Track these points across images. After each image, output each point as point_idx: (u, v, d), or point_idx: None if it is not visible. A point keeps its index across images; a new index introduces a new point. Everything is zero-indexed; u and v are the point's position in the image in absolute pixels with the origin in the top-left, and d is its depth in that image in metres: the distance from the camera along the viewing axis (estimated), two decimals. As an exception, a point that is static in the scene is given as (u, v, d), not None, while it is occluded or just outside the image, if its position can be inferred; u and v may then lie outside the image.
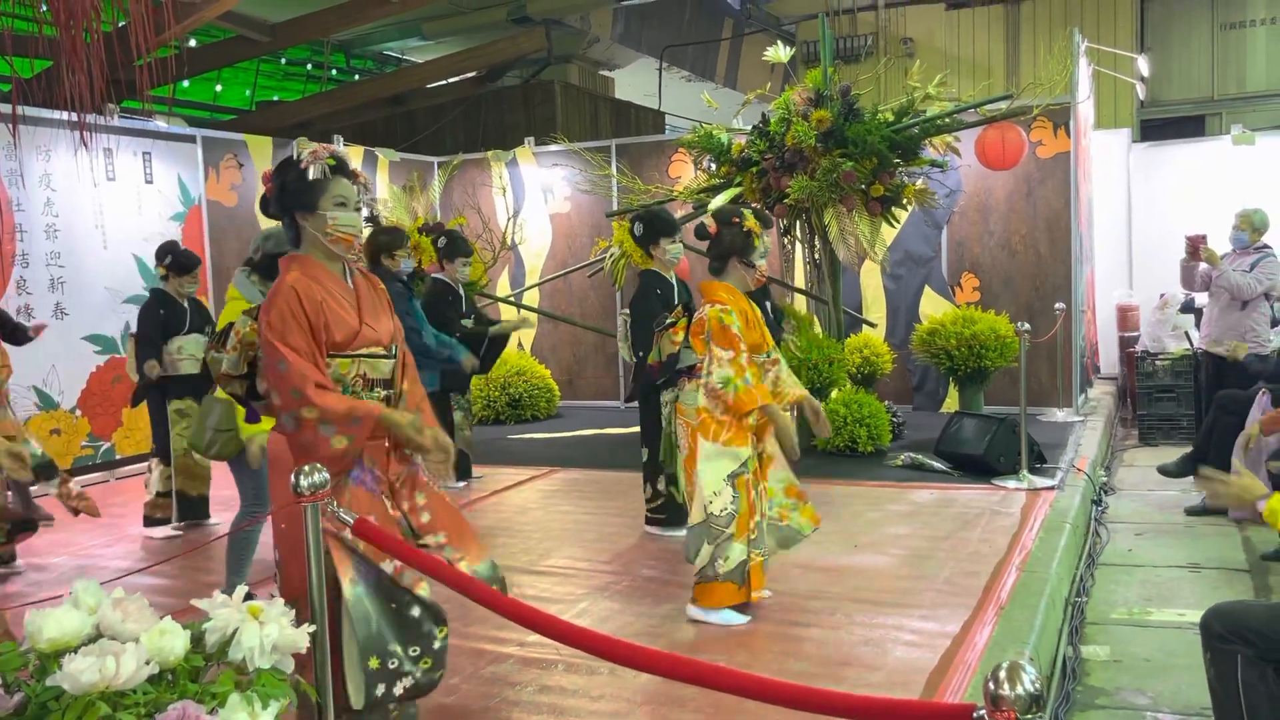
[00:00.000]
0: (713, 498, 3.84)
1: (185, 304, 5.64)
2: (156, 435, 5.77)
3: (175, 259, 5.63)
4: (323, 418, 2.66)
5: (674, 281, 5.20)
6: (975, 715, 1.57)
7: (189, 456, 5.62)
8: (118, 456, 7.46)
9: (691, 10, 14.50)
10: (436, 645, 2.81)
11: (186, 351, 5.55)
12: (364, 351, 2.83)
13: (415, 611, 2.77)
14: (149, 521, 5.75)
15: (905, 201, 7.06)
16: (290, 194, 2.84)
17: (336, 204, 2.82)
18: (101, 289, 7.39)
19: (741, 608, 3.97)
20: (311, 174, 2.79)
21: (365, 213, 3.02)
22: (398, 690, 2.71)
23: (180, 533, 5.72)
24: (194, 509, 5.77)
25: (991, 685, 1.55)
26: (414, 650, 2.76)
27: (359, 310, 2.84)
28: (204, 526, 5.81)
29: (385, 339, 2.89)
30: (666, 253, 5.13)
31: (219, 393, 3.83)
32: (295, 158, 2.85)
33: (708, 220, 4.08)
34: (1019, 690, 1.53)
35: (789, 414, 4.07)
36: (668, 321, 4.80)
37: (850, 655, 3.61)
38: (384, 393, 2.89)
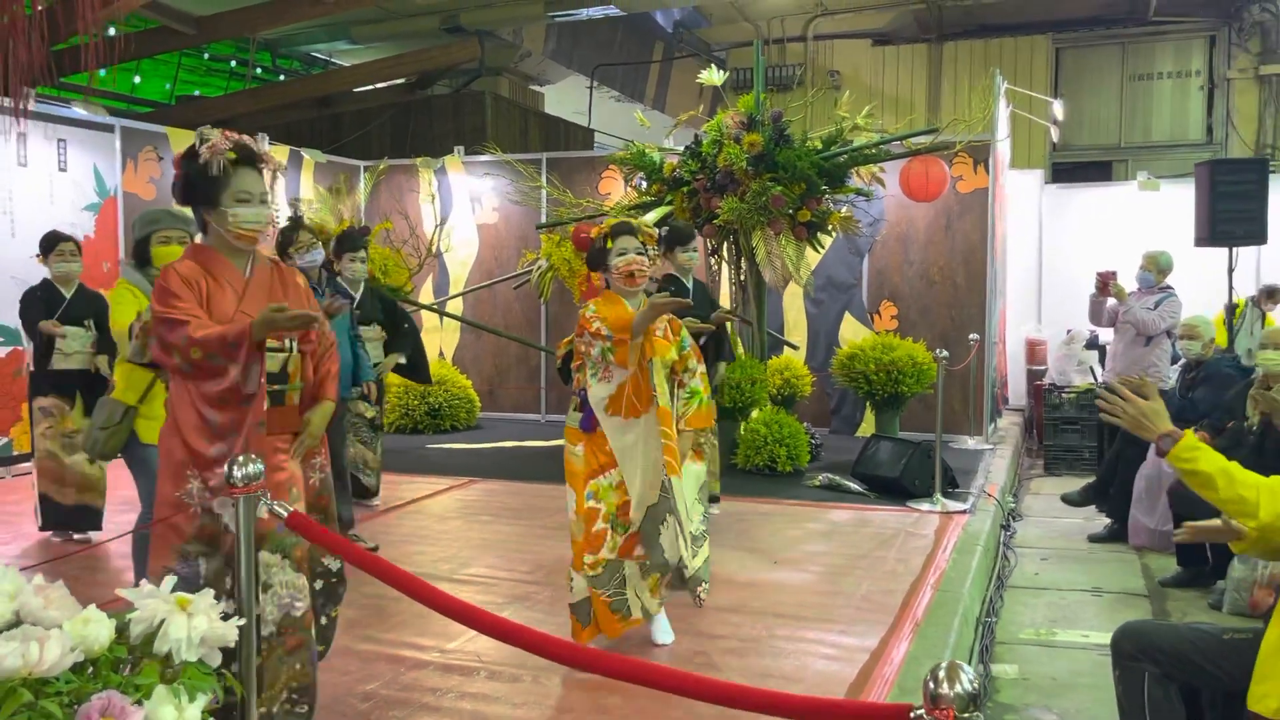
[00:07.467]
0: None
1: (66, 293, 5.28)
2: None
3: (43, 240, 5.37)
4: (206, 350, 2.63)
5: (689, 285, 5.65)
6: (913, 714, 1.60)
7: (52, 460, 5.17)
8: (15, 453, 7.15)
9: (624, 31, 14.59)
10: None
11: (62, 344, 5.18)
12: None
13: None
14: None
15: (830, 228, 7.19)
16: (192, 186, 2.78)
17: (239, 200, 2.75)
18: (8, 278, 7.08)
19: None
20: (211, 170, 2.72)
21: (289, 210, 2.97)
22: None
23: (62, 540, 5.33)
24: (63, 518, 5.25)
25: (931, 684, 1.58)
26: None
27: (241, 301, 2.78)
28: (72, 539, 5.33)
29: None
30: (679, 259, 5.60)
31: (115, 392, 3.64)
32: (195, 148, 2.75)
33: None
34: (958, 689, 1.57)
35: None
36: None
37: (771, 668, 3.65)
38: (270, 387, 2.77)
